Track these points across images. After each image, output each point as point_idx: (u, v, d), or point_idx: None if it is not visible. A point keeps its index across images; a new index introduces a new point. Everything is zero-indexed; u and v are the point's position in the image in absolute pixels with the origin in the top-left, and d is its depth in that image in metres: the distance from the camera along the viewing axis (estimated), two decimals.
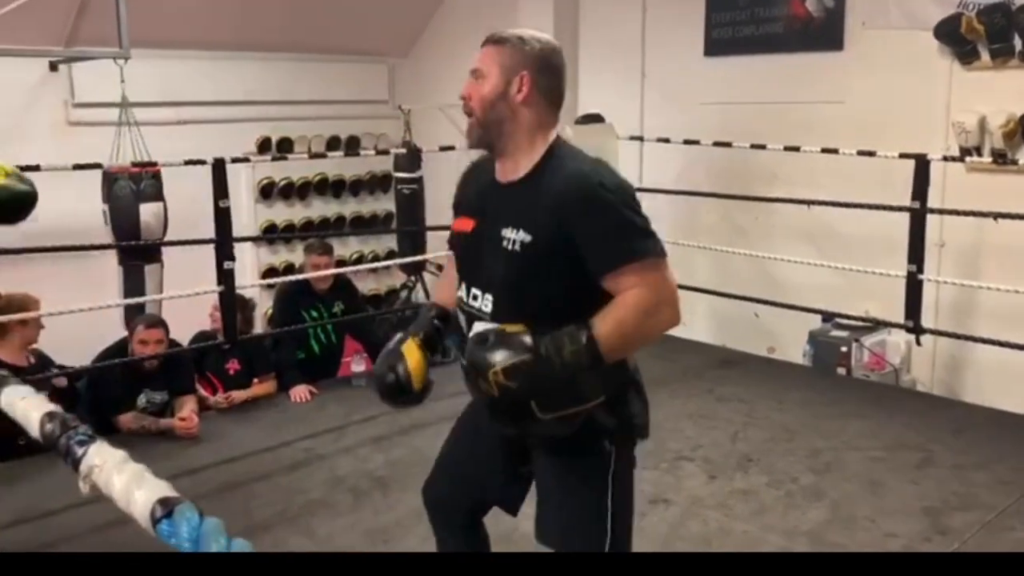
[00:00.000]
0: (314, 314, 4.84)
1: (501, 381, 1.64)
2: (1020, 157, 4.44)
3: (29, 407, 0.84)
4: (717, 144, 5.14)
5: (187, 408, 4.09)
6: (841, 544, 2.98)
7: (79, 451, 0.77)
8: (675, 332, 6.03)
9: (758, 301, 5.18)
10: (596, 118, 5.38)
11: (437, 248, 5.89)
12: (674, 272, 1.83)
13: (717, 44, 5.84)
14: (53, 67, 6.17)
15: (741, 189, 5.39)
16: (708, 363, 4.99)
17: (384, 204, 7.92)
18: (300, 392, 4.52)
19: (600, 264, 1.73)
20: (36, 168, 4.03)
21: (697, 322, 5.98)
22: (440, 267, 6.75)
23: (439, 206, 6.65)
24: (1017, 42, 4.48)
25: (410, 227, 6.29)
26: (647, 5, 6.19)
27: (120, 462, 0.75)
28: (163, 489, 0.71)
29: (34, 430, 0.83)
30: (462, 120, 6.25)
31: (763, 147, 4.93)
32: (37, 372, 4.04)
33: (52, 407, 0.83)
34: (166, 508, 0.69)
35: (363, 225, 7.91)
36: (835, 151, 4.65)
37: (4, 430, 3.20)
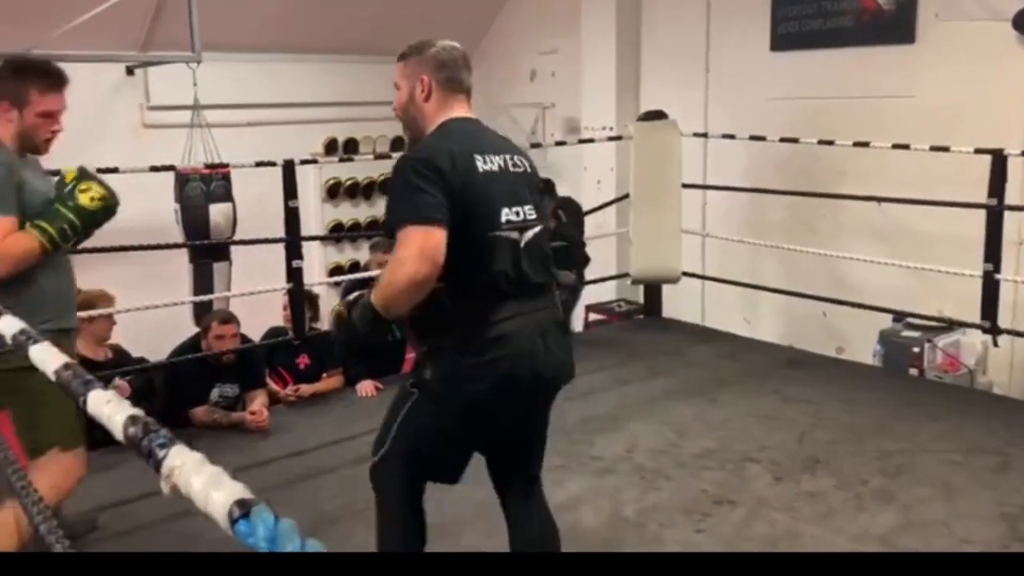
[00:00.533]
0: None
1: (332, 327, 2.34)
2: None
3: (113, 411, 0.88)
4: (784, 140, 5.05)
5: (258, 402, 4.19)
6: (914, 549, 2.91)
7: (160, 453, 0.81)
8: (741, 331, 5.97)
9: (826, 300, 5.07)
10: (659, 115, 5.33)
11: None
12: (430, 235, 1.97)
13: (784, 38, 5.74)
14: (129, 71, 6.39)
15: (809, 186, 5.29)
16: (774, 363, 4.91)
17: None
18: (366, 387, 4.59)
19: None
20: (114, 170, 4.18)
21: (763, 321, 5.89)
22: None
23: None
24: None
25: None
26: (711, 0, 6.12)
27: (199, 464, 0.78)
28: (240, 491, 0.73)
29: (118, 433, 0.87)
30: (523, 120, 6.43)
31: (831, 143, 4.82)
32: (114, 367, 4.20)
33: (135, 411, 0.87)
34: (243, 509, 0.71)
35: None
36: (906, 147, 4.52)
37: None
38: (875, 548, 2.93)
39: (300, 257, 4.35)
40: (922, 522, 3.10)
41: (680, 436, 3.90)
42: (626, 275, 5.56)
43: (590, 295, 6.30)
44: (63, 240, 2.47)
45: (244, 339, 4.43)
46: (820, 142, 4.87)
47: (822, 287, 5.12)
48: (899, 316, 4.90)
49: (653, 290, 5.84)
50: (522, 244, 2.10)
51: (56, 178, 2.68)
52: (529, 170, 2.23)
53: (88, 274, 5.21)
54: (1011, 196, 4.18)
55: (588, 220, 5.53)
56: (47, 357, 1.05)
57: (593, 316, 6.67)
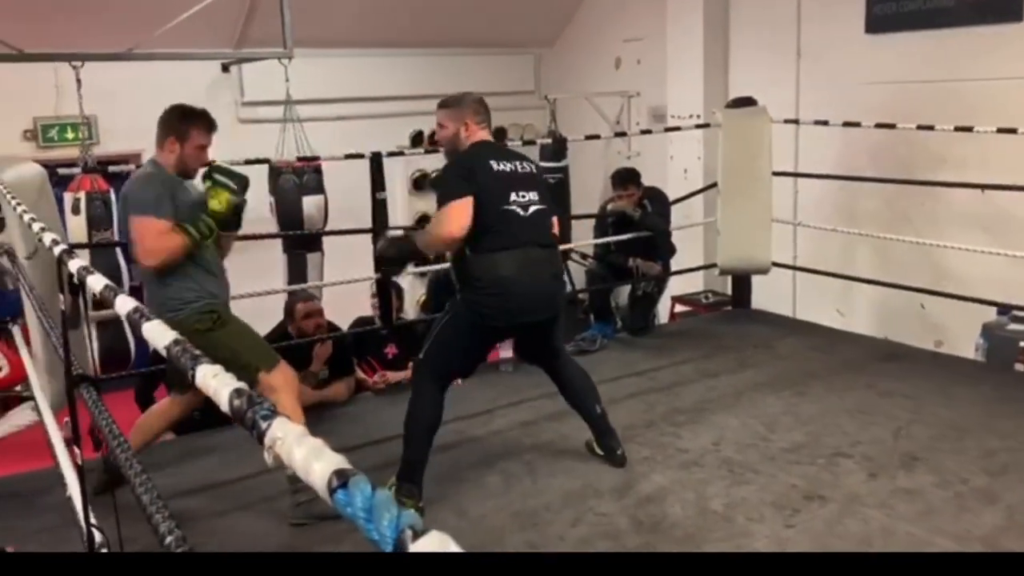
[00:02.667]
0: None
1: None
2: None
3: (220, 385, 0.91)
4: (880, 126, 4.86)
5: (343, 387, 4.31)
6: (1020, 551, 2.77)
7: (263, 425, 0.83)
8: (833, 324, 5.81)
9: (925, 292, 4.88)
10: (748, 101, 5.21)
11: (582, 236, 5.90)
12: (458, 211, 3.07)
13: (880, 20, 5.53)
14: (225, 68, 6.61)
15: (906, 173, 5.09)
16: (868, 356, 4.75)
17: None
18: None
19: None
20: (211, 163, 4.33)
21: (857, 314, 5.72)
22: (585, 256, 6.76)
23: (584, 194, 6.68)
24: None
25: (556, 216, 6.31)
26: None
27: (300, 435, 0.80)
28: (339, 462, 0.75)
29: (224, 404, 0.90)
30: (608, 109, 6.55)
31: (931, 128, 4.62)
32: None
33: (239, 384, 0.90)
34: (341, 479, 0.73)
35: None
36: (1013, 131, 4.29)
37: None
38: (977, 549, 2.81)
39: None
40: None
41: (769, 430, 3.82)
42: (713, 266, 5.46)
43: (676, 286, 6.22)
44: (203, 238, 3.12)
45: (332, 328, 4.54)
46: (919, 127, 4.68)
47: (920, 278, 4.93)
48: (1004, 309, 4.68)
49: (742, 281, 5.72)
50: (526, 216, 3.17)
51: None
52: (533, 171, 3.30)
53: None
54: None
55: (674, 210, 5.46)
56: (158, 334, 1.10)
57: (680, 308, 6.59)
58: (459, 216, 3.06)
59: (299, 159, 5.07)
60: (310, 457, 0.77)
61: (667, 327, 6.06)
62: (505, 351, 4.88)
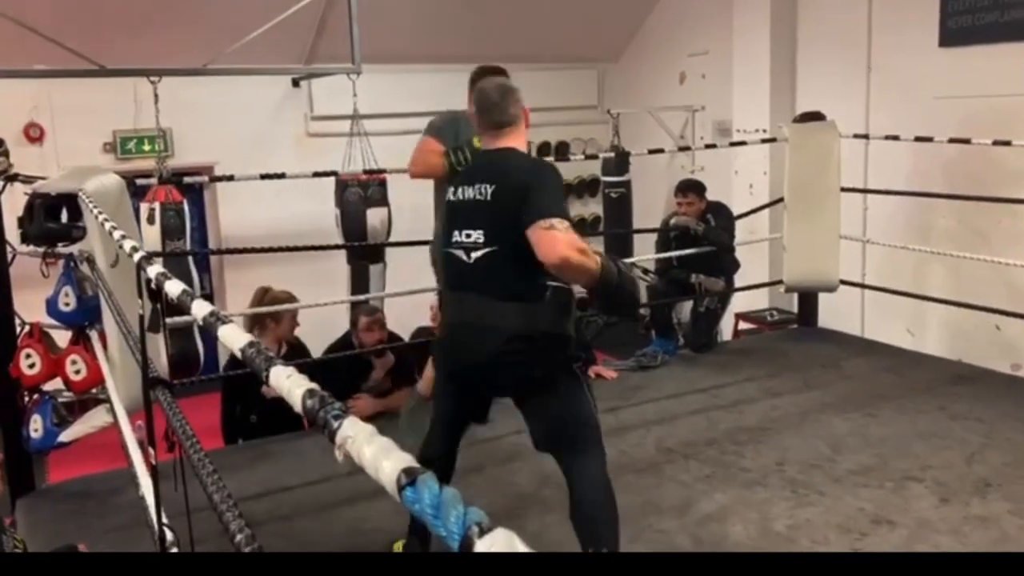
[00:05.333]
0: None
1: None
2: None
3: (293, 384, 0.94)
4: (953, 141, 4.74)
5: (405, 396, 4.35)
6: None
7: (335, 424, 0.85)
8: (905, 344, 5.66)
9: (1000, 312, 4.71)
10: (816, 116, 5.13)
11: (644, 251, 5.86)
12: None
13: (954, 33, 5.40)
14: (295, 83, 6.78)
15: (981, 190, 4.94)
16: (941, 378, 4.61)
17: (592, 208, 8.00)
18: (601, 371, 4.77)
19: None
20: (281, 176, 4.44)
21: (929, 334, 5.56)
22: (646, 271, 6.70)
23: (647, 209, 6.64)
24: None
25: (618, 230, 6.30)
26: None
27: (370, 435, 0.82)
28: (407, 460, 0.77)
29: (297, 405, 0.92)
30: (672, 123, 6.38)
31: (1008, 143, 4.48)
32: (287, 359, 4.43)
33: (312, 385, 0.93)
34: (410, 477, 0.75)
35: (573, 228, 8.01)
36: None
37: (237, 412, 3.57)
38: None
39: None
40: None
41: (835, 451, 3.73)
42: (779, 282, 5.36)
43: (741, 303, 6.14)
44: (455, 166, 3.22)
45: (395, 338, 4.59)
46: (995, 143, 4.54)
47: (995, 298, 4.77)
48: None
49: (808, 298, 5.61)
50: (468, 262, 2.56)
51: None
52: (489, 196, 2.60)
53: (256, 272, 5.57)
54: None
55: (739, 225, 5.39)
56: (234, 337, 1.14)
57: (744, 325, 6.50)
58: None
59: (365, 172, 5.16)
60: (379, 455, 0.79)
61: (730, 344, 5.98)
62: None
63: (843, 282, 5.15)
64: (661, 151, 6.09)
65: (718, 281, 5.29)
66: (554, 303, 2.53)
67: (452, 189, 2.65)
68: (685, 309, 5.64)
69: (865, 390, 4.44)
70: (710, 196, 5.26)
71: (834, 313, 5.59)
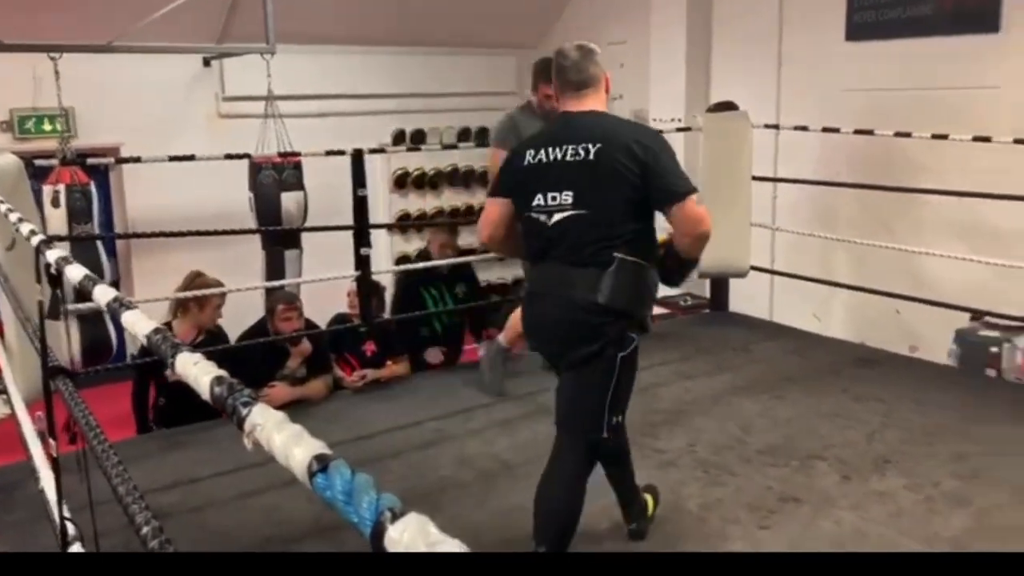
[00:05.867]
0: (433, 291, 5.01)
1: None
2: None
3: (200, 372, 0.91)
4: (858, 132, 4.92)
5: (321, 384, 4.31)
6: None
7: (244, 411, 0.84)
8: (811, 328, 5.83)
9: (900, 297, 4.94)
10: (729, 106, 5.25)
11: None
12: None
13: (860, 28, 5.60)
14: (206, 63, 6.57)
15: (884, 179, 5.15)
16: (844, 361, 4.80)
17: None
18: (434, 353, 4.71)
19: None
20: (190, 157, 4.31)
21: (834, 318, 5.77)
22: None
23: None
24: None
25: None
26: None
27: (280, 422, 0.81)
28: (319, 447, 0.76)
29: (204, 392, 0.90)
30: None
31: (908, 135, 4.69)
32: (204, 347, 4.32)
33: (220, 372, 0.91)
34: (321, 463, 0.74)
35: None
36: (988, 139, 4.36)
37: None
38: (946, 551, 2.84)
39: (368, 245, 4.41)
40: (997, 527, 3.00)
41: (745, 432, 3.85)
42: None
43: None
44: None
45: (311, 325, 4.52)
46: (897, 134, 4.74)
47: (896, 284, 4.99)
48: (977, 315, 4.75)
49: (720, 284, 5.76)
50: (549, 225, 2.54)
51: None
52: (588, 157, 2.53)
53: (165, 258, 5.41)
54: None
55: None
56: (138, 322, 1.10)
57: (658, 310, 6.61)
58: (484, 221, 2.71)
59: (279, 155, 5.05)
60: (289, 443, 0.78)
61: None
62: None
63: (754, 268, 5.31)
64: None
65: None
66: (627, 277, 2.46)
67: (530, 152, 2.54)
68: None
69: (774, 373, 4.59)
70: None
71: (745, 298, 5.75)
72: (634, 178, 2.42)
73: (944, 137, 4.55)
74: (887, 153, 5.24)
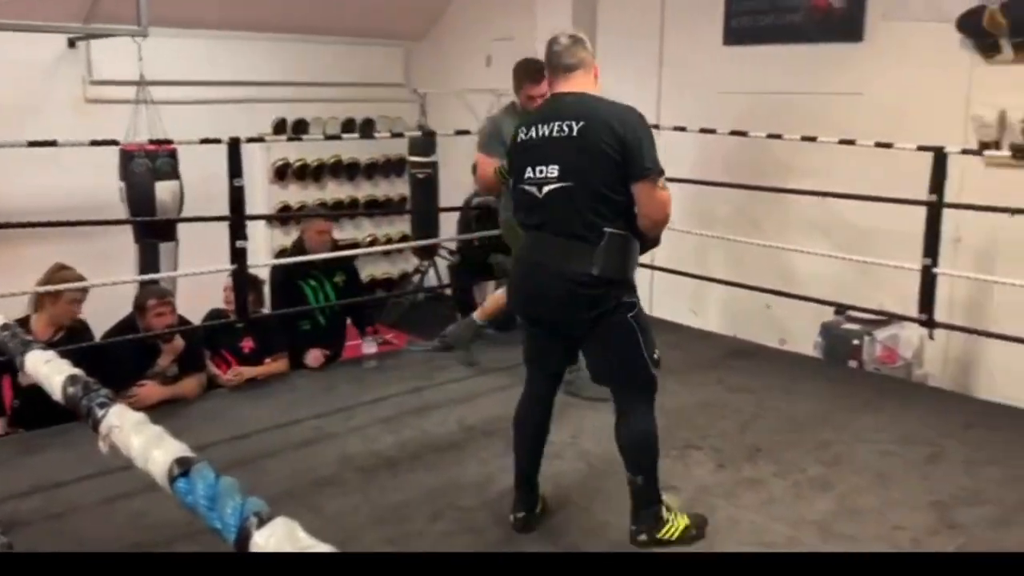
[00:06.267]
0: (312, 283, 4.90)
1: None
2: None
3: (52, 371, 0.85)
4: (734, 133, 5.10)
5: (194, 383, 4.15)
6: (849, 535, 2.98)
7: (99, 412, 0.78)
8: (687, 321, 5.99)
9: (771, 292, 5.16)
10: None
11: (450, 232, 5.89)
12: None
13: (736, 33, 5.81)
14: (71, 44, 6.20)
15: (757, 180, 5.36)
16: (719, 353, 4.98)
17: (399, 188, 7.93)
18: (315, 356, 4.59)
19: None
20: (53, 143, 4.06)
21: (710, 312, 5.97)
22: (452, 251, 6.73)
23: (453, 190, 6.67)
24: None
25: (424, 211, 6.28)
26: None
27: (139, 423, 0.76)
28: (180, 449, 0.72)
29: (57, 393, 0.84)
30: (479, 105, 6.49)
31: (779, 137, 4.90)
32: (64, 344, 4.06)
33: (75, 371, 0.85)
34: (183, 467, 0.70)
35: (377, 208, 7.92)
36: (852, 142, 4.61)
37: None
38: (812, 534, 2.99)
39: (245, 238, 4.27)
40: (857, 509, 3.17)
41: None
42: None
43: None
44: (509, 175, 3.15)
45: (183, 321, 4.35)
46: (769, 136, 4.95)
47: (767, 279, 5.20)
48: (840, 309, 5.01)
49: None
50: (540, 197, 2.74)
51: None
52: (573, 133, 2.74)
53: (26, 251, 5.07)
54: (950, 193, 4.29)
55: None
56: None
57: None
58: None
59: (151, 142, 4.82)
60: (149, 445, 0.73)
61: None
62: (368, 347, 4.82)
63: None
64: (467, 132, 6.13)
65: (508, 260, 5.41)
66: (619, 248, 2.67)
67: (524, 130, 2.78)
68: (489, 289, 5.73)
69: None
70: None
71: None
72: (615, 154, 2.60)
73: (812, 140, 4.77)
74: (761, 154, 5.46)
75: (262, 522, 0.65)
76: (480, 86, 7.49)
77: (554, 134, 2.68)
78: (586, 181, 2.63)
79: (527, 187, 2.73)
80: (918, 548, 2.89)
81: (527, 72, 3.96)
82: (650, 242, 2.84)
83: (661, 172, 2.66)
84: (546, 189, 2.68)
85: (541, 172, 2.69)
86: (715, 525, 3.04)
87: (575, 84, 2.79)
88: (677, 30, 6.13)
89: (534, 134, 2.73)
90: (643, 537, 2.87)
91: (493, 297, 4.42)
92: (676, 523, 2.92)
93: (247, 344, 4.52)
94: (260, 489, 3.03)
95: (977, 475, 3.42)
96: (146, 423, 0.76)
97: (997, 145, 4.56)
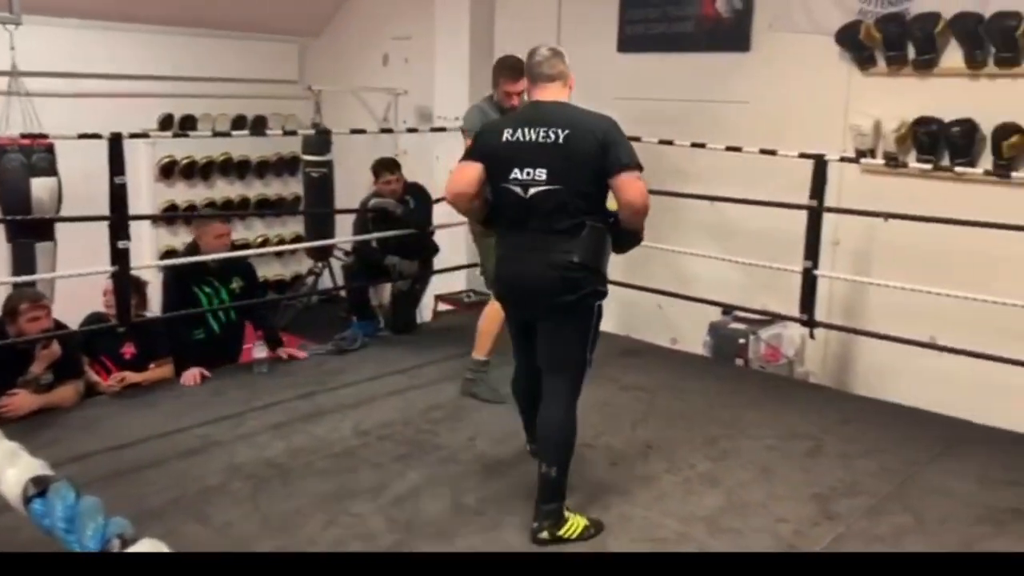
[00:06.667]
0: (207, 290, 4.67)
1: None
2: (910, 160, 4.65)
3: None
4: (628, 139, 5.18)
5: (71, 390, 3.95)
6: (735, 529, 3.08)
7: None
8: None
9: (662, 293, 5.29)
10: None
11: (345, 233, 5.78)
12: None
13: (630, 40, 5.93)
14: None
15: (651, 184, 5.39)
16: (613, 353, 5.05)
17: (292, 187, 7.77)
18: (191, 376, 4.38)
19: None
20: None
21: (606, 312, 6.06)
22: (347, 252, 6.61)
23: (349, 190, 6.57)
24: (911, 51, 4.70)
25: (319, 210, 6.15)
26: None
27: None
28: (37, 467, 0.67)
29: None
30: (376, 105, 6.39)
31: (671, 143, 5.02)
32: None
33: None
34: (39, 487, 0.65)
35: (269, 208, 7.73)
36: (738, 149, 4.78)
37: None
38: (701, 529, 3.08)
39: (127, 238, 4.08)
40: (743, 503, 3.28)
41: (521, 424, 3.95)
42: (476, 265, 5.57)
43: (439, 285, 6.29)
44: None
45: (60, 326, 4.12)
46: (661, 142, 5.06)
47: (659, 281, 5.33)
48: (728, 309, 5.19)
49: None
50: (525, 198, 2.91)
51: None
52: (559, 140, 2.91)
53: None
54: (830, 199, 4.50)
55: (438, 209, 5.51)
56: None
57: (442, 306, 6.67)
58: (458, 179, 3.02)
59: (24, 136, 4.56)
60: (3, 463, 0.68)
61: (430, 325, 6.12)
62: (259, 351, 4.68)
63: None
64: (364, 132, 6.05)
65: (413, 264, 5.37)
66: (596, 240, 2.91)
67: (507, 130, 2.92)
68: (386, 291, 5.67)
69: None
70: (413, 179, 5.32)
71: None
72: (596, 158, 2.84)
73: (702, 146, 4.91)
74: (655, 159, 5.54)
75: (125, 543, 0.61)
76: (377, 85, 7.42)
77: (540, 139, 2.87)
78: (570, 184, 2.86)
79: (512, 187, 2.90)
80: (800, 539, 3.01)
81: (507, 69, 4.04)
82: (632, 235, 3.08)
83: (640, 167, 2.90)
84: (532, 190, 2.87)
85: (528, 174, 2.87)
86: (609, 523, 3.09)
87: (552, 93, 3.01)
88: (574, 36, 6.19)
89: (521, 136, 2.90)
90: (544, 535, 2.94)
91: (480, 331, 4.26)
92: (575, 522, 2.99)
93: (128, 350, 4.33)
94: (142, 499, 2.92)
95: (853, 468, 3.59)
96: (1, 439, 0.71)
97: (873, 153, 4.80)
